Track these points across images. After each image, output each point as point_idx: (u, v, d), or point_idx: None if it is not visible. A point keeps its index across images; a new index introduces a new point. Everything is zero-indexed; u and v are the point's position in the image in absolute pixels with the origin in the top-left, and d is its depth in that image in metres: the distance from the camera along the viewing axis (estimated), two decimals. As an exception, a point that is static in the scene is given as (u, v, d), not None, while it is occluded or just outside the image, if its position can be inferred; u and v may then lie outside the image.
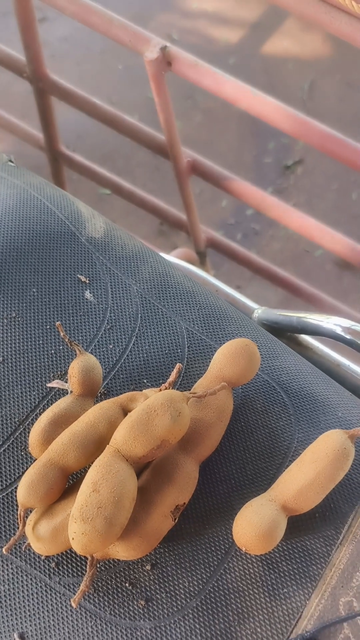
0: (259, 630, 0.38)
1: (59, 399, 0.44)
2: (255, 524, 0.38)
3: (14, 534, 0.41)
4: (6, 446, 0.44)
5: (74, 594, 0.39)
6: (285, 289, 1.06)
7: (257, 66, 1.55)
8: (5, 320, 0.48)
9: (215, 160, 0.89)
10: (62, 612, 0.39)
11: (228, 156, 1.42)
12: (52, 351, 0.47)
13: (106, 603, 0.39)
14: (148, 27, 0.77)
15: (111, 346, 0.48)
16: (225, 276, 1.24)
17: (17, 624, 0.39)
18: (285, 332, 0.62)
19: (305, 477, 0.39)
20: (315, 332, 0.57)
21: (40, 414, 0.44)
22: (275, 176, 1.41)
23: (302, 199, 1.39)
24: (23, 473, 0.42)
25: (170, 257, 0.64)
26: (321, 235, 0.87)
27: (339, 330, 0.56)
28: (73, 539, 0.36)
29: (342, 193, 1.39)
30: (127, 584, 0.40)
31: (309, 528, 0.41)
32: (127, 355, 0.47)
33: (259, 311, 0.63)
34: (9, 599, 0.40)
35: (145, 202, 1.03)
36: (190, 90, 1.47)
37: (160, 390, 0.41)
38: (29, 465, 0.42)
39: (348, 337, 0.55)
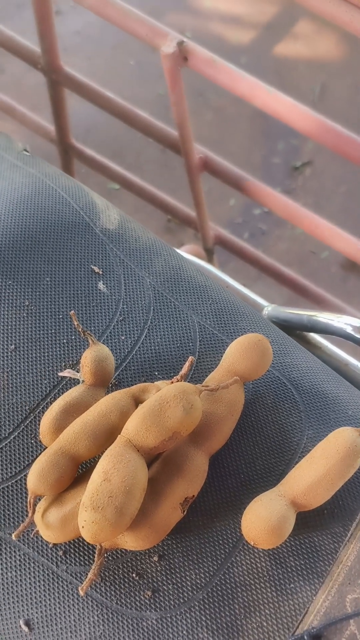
0: (264, 624, 0.38)
1: (70, 388, 0.44)
2: (264, 518, 0.38)
3: (23, 521, 0.41)
4: (17, 433, 0.44)
5: (81, 583, 0.39)
6: (291, 289, 1.06)
7: (269, 67, 1.55)
8: (18, 309, 0.48)
9: (225, 159, 0.89)
10: (68, 601, 0.39)
11: (237, 155, 1.41)
12: (64, 340, 0.47)
13: (113, 593, 0.39)
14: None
15: (123, 337, 0.48)
16: (231, 275, 1.24)
17: (23, 610, 0.39)
18: (295, 330, 0.62)
19: (315, 473, 0.39)
20: (325, 330, 0.57)
21: (51, 403, 0.44)
22: (284, 177, 1.41)
23: (310, 200, 1.39)
24: (33, 460, 0.42)
25: (182, 252, 0.64)
26: (331, 236, 0.87)
27: (349, 330, 0.56)
28: (83, 527, 0.36)
29: (350, 195, 1.39)
30: (134, 575, 0.40)
31: (317, 524, 0.41)
32: (139, 347, 0.47)
33: (268, 308, 0.63)
34: (16, 586, 0.40)
35: (155, 197, 1.03)
36: (201, 87, 1.47)
37: (173, 382, 0.41)
38: (40, 453, 0.42)
39: (358, 336, 0.55)
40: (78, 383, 0.45)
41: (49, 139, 1.05)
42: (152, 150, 1.40)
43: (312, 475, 0.39)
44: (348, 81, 1.53)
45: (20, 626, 0.39)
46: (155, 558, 0.40)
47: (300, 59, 1.56)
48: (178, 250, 0.62)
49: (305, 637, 0.36)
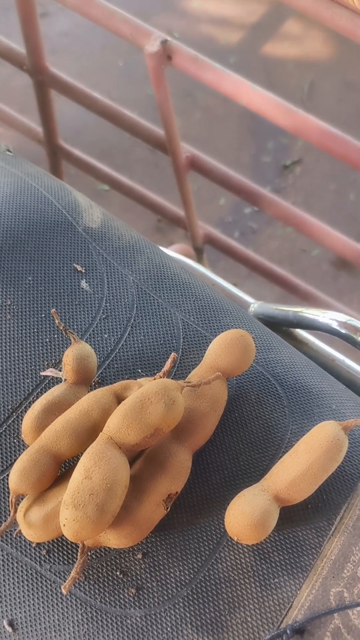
0: (249, 619, 0.38)
1: (53, 387, 0.44)
2: (247, 514, 0.38)
3: (5, 520, 0.41)
4: (-1, 433, 0.44)
5: (65, 582, 0.39)
6: (281, 287, 1.06)
7: (257, 66, 1.55)
8: (0, 308, 0.48)
9: (214, 159, 0.89)
10: (52, 600, 0.39)
11: (227, 155, 1.42)
12: (47, 339, 0.47)
13: (97, 591, 0.39)
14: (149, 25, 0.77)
15: (106, 335, 0.48)
16: (222, 274, 1.24)
17: (6, 610, 0.39)
18: (281, 327, 0.62)
19: (298, 467, 0.39)
20: (311, 326, 0.57)
21: (33, 402, 0.44)
22: (274, 176, 1.42)
23: (299, 198, 1.39)
24: (15, 460, 0.42)
25: (168, 251, 0.64)
26: (321, 234, 0.88)
27: (334, 325, 0.56)
28: (64, 525, 0.36)
29: (339, 193, 1.39)
30: (118, 573, 0.40)
31: (301, 519, 0.41)
32: (122, 345, 0.47)
33: (255, 305, 0.63)
34: (-1, 586, 0.40)
35: (144, 197, 1.03)
36: (190, 88, 1.48)
37: (155, 379, 0.41)
38: (22, 453, 0.42)
39: (344, 331, 0.55)
40: (61, 382, 0.45)
41: (37, 141, 1.05)
42: (141, 150, 1.41)
43: (295, 470, 0.39)
44: (337, 79, 1.54)
45: (3, 626, 0.39)
46: (139, 556, 0.40)
47: (288, 58, 1.57)
48: (163, 249, 0.62)
49: (288, 631, 0.36)
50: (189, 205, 0.93)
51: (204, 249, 1.03)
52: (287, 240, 1.34)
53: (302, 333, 0.62)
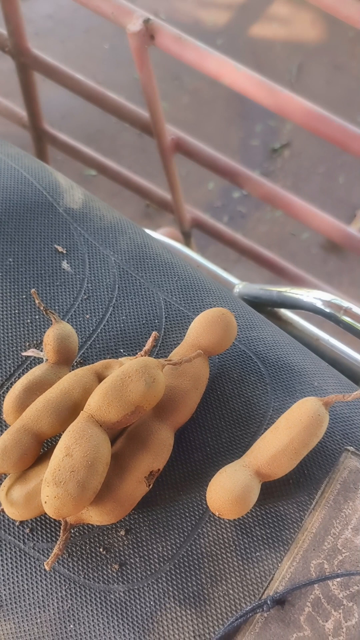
0: (231, 592, 0.38)
1: (34, 367, 0.44)
2: (228, 489, 0.38)
3: (-12, 500, 0.41)
4: (-19, 414, 0.44)
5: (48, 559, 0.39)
6: (270, 270, 1.06)
7: (245, 48, 1.54)
8: (-20, 290, 0.47)
9: (202, 143, 0.88)
10: (36, 577, 0.39)
11: (215, 138, 1.41)
12: (28, 320, 0.47)
13: (80, 567, 0.39)
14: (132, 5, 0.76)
15: (88, 316, 0.48)
16: (210, 258, 1.24)
17: (-9, 588, 0.39)
18: (266, 307, 0.62)
19: (279, 442, 0.40)
20: (295, 305, 0.58)
21: (15, 383, 0.44)
22: (262, 159, 1.41)
23: (288, 182, 1.38)
24: (-3, 440, 0.42)
25: (153, 233, 0.64)
26: (310, 217, 0.87)
27: (319, 304, 0.56)
28: (46, 502, 0.36)
29: (328, 176, 1.39)
30: (101, 549, 0.40)
31: (283, 494, 0.41)
32: (104, 325, 0.47)
33: (239, 286, 0.63)
34: (-17, 564, 0.40)
35: (131, 181, 1.02)
36: (176, 71, 1.46)
37: (136, 358, 0.41)
38: (3, 432, 0.42)
39: (328, 310, 0.55)
40: (42, 362, 0.44)
41: (22, 125, 1.04)
42: (128, 135, 1.39)
43: (275, 445, 0.40)
44: (325, 62, 1.53)
45: (-12, 604, 0.39)
46: (122, 532, 0.40)
47: (276, 39, 1.55)
48: (150, 232, 0.62)
49: (269, 602, 0.36)
50: (176, 189, 0.93)
51: (191, 233, 1.02)
52: (276, 224, 1.34)
53: (286, 313, 0.62)
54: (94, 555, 0.40)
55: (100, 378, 0.42)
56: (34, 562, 0.40)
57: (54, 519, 0.41)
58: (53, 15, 1.52)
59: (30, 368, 0.45)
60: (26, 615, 0.38)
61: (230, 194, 1.36)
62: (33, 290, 0.43)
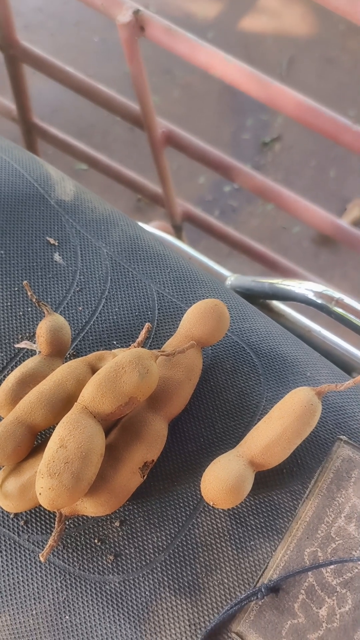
0: (225, 581, 0.38)
1: (27, 359, 0.44)
2: (222, 479, 0.38)
3: (-18, 493, 0.41)
4: (-26, 407, 0.43)
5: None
6: (262, 264, 1.06)
7: (236, 41, 1.54)
8: (-28, 282, 0.47)
9: (193, 136, 0.88)
10: (31, 569, 0.39)
11: (206, 132, 1.40)
12: (20, 313, 0.47)
13: (75, 559, 0.39)
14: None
15: (80, 308, 0.47)
16: (203, 252, 1.24)
17: (-15, 581, 0.39)
18: (258, 299, 0.62)
19: (272, 432, 0.40)
20: (287, 297, 0.58)
21: (8, 375, 0.44)
22: (254, 153, 1.41)
23: (279, 175, 1.39)
24: (-9, 433, 0.42)
25: (145, 225, 0.63)
26: (302, 211, 0.87)
27: (310, 295, 0.56)
28: (40, 494, 0.36)
29: (320, 170, 1.39)
30: (96, 540, 0.40)
31: (277, 483, 0.41)
32: (97, 317, 0.47)
33: (231, 278, 0.63)
34: (-23, 557, 0.40)
35: (121, 175, 1.02)
36: (168, 64, 1.46)
37: (129, 349, 0.41)
38: (-3, 425, 0.42)
39: (319, 301, 0.55)
40: (35, 354, 0.44)
41: (11, 118, 1.03)
42: (120, 129, 1.39)
43: (269, 435, 0.40)
44: (316, 54, 1.53)
45: (-17, 596, 0.39)
46: (117, 523, 0.40)
47: (267, 32, 1.55)
48: (141, 224, 0.61)
49: (263, 590, 0.36)
50: (167, 182, 0.93)
51: (182, 227, 1.02)
52: (267, 218, 1.34)
53: (279, 305, 0.63)
54: (89, 546, 0.40)
55: (93, 370, 0.42)
56: (29, 554, 0.40)
57: (49, 511, 0.41)
58: (43, 9, 1.51)
59: (23, 360, 0.45)
60: (22, 607, 0.38)
61: (221, 188, 1.36)
62: (25, 282, 0.43)
